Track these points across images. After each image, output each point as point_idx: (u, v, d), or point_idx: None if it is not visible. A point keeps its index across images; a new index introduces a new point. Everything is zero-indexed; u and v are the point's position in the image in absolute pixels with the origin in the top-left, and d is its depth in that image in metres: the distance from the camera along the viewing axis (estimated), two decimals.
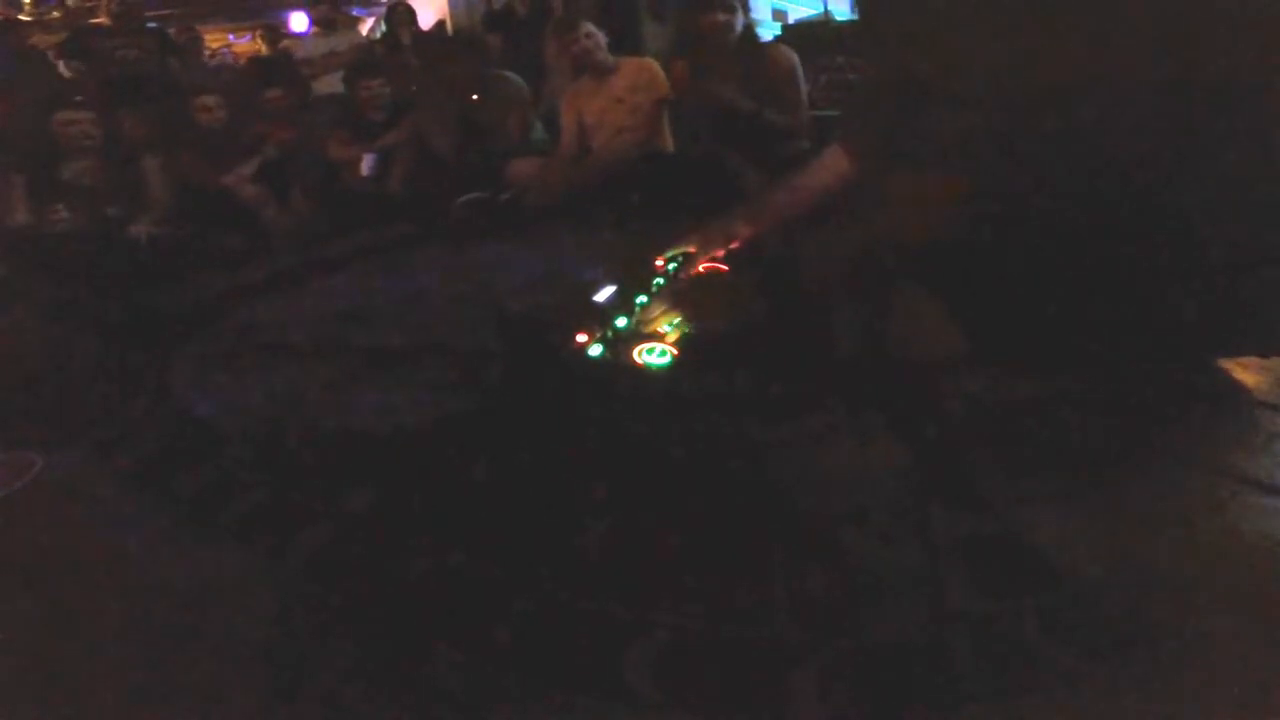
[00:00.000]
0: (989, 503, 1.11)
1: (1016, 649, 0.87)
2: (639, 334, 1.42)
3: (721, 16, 2.83)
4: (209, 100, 3.32)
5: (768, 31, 4.70)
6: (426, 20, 5.14)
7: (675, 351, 1.36)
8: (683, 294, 1.53)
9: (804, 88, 2.99)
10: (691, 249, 1.48)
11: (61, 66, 3.96)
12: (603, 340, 1.40)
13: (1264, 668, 0.82)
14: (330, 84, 4.43)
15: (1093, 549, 1.00)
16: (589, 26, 3.18)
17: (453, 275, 2.49)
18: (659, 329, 1.42)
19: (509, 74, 3.73)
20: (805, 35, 3.87)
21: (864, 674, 0.86)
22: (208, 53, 5.38)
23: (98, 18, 4.55)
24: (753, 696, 0.85)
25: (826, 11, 4.62)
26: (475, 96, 3.51)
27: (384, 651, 0.96)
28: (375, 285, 2.50)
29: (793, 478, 1.22)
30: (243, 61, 4.93)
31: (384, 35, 4.82)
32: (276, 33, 5.08)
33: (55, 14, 6.23)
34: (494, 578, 1.07)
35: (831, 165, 1.52)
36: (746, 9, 2.94)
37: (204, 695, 0.92)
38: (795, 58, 2.92)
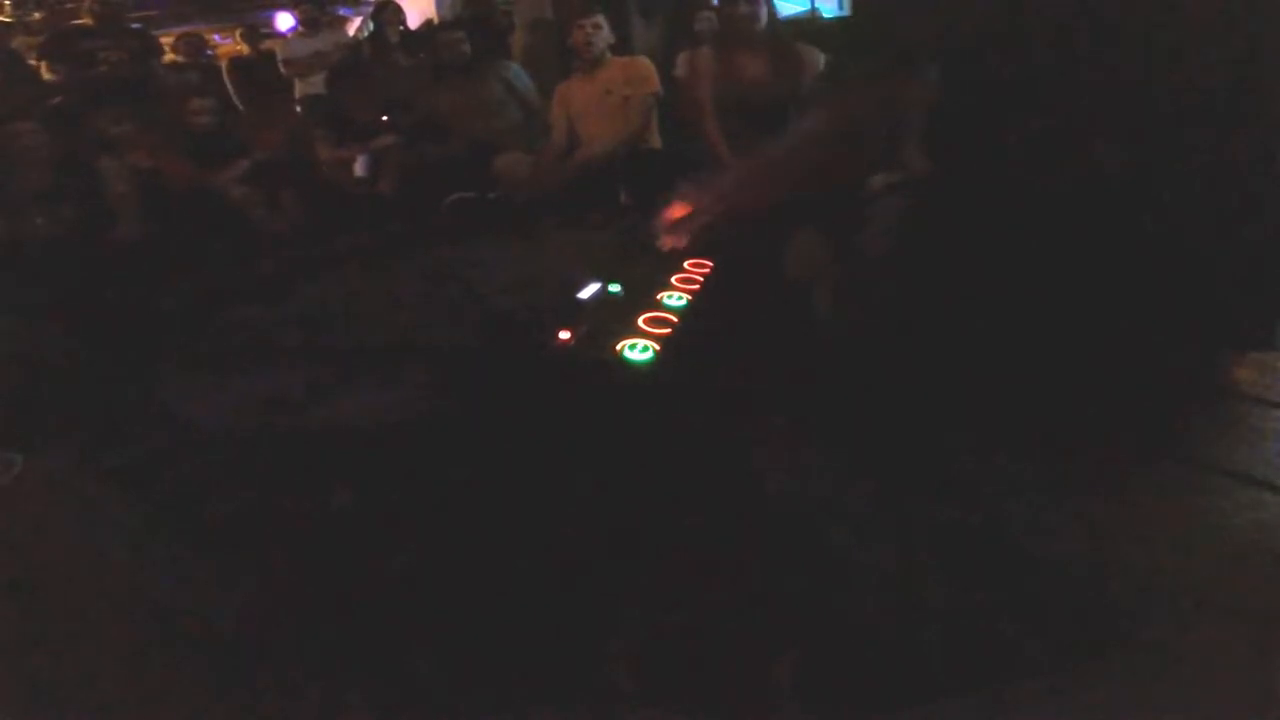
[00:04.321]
0: (968, 496, 1.11)
1: (993, 643, 0.87)
2: (622, 329, 1.41)
3: (744, 8, 2.84)
4: (198, 103, 3.30)
5: None
6: (413, 21, 5.11)
7: (658, 347, 1.36)
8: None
9: None
10: (679, 214, 1.41)
11: (44, 69, 3.91)
12: (586, 336, 1.39)
13: (1245, 664, 0.82)
14: (317, 84, 4.40)
15: (1073, 543, 1.00)
16: (600, 18, 3.18)
17: (439, 275, 2.48)
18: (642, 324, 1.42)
19: (509, 62, 3.75)
20: (792, 32, 3.87)
21: (841, 667, 0.87)
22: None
23: (80, 19, 4.50)
24: (731, 690, 0.85)
25: (814, 9, 4.62)
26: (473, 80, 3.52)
27: (364, 650, 0.95)
28: (362, 286, 2.49)
29: (771, 471, 1.22)
30: (223, 62, 4.89)
31: (371, 34, 4.79)
32: (256, 33, 5.04)
33: (36, 15, 6.17)
34: (474, 574, 1.07)
35: (811, 127, 1.48)
36: (771, 2, 2.93)
37: (183, 693, 0.92)
38: (820, 60, 2.90)
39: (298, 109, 4.36)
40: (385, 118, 3.58)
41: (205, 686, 0.92)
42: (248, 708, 0.89)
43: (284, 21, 5.44)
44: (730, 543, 1.08)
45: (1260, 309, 1.30)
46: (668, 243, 1.38)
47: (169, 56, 4.55)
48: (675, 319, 1.44)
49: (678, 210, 1.37)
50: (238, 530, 1.23)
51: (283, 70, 4.43)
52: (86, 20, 4.18)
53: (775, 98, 2.81)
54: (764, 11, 2.88)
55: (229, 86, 4.43)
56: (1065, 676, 0.82)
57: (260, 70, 4.32)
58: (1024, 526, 1.03)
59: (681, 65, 3.41)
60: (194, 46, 4.81)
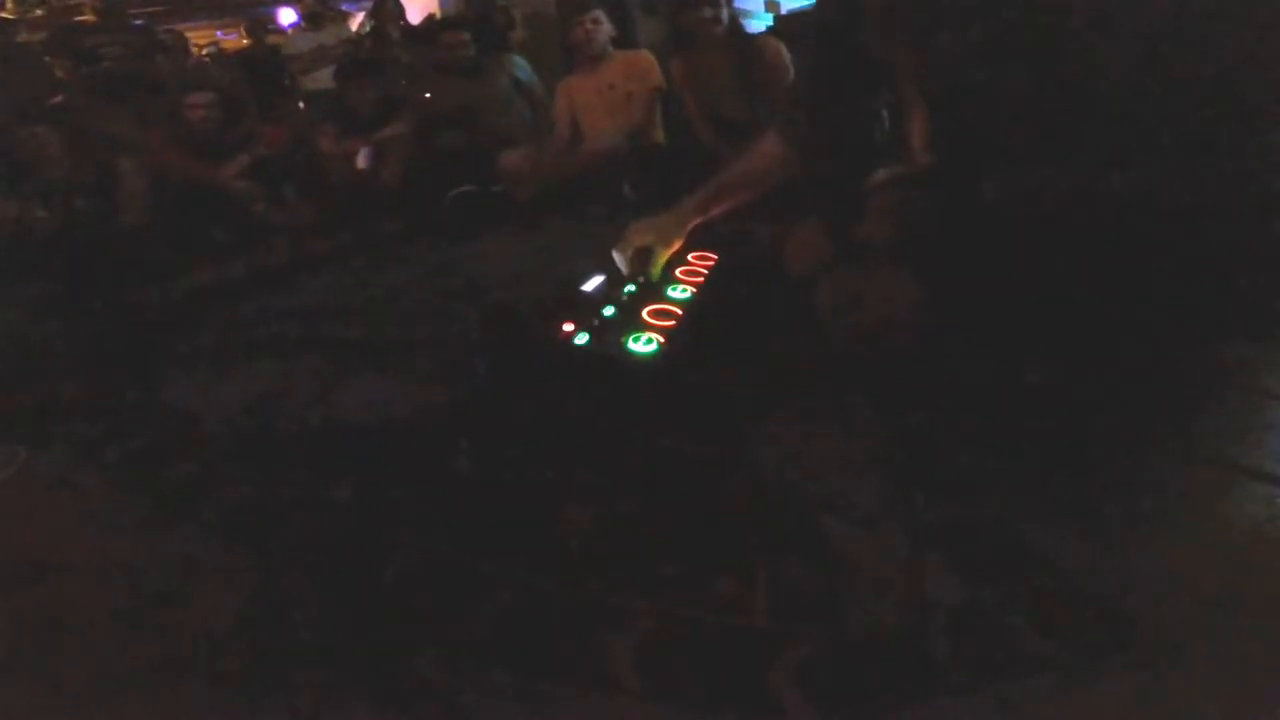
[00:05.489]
0: (973, 491, 1.10)
1: (998, 638, 0.86)
2: (626, 322, 1.41)
3: (707, 11, 2.86)
4: (200, 98, 3.31)
5: (760, 23, 4.67)
6: (415, 16, 5.11)
7: (662, 340, 1.35)
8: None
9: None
10: (646, 242, 1.46)
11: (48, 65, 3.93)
12: (589, 329, 1.39)
13: (1252, 660, 0.81)
14: (319, 79, 4.40)
15: (1078, 537, 0.99)
16: (599, 13, 3.18)
17: (442, 268, 2.48)
18: (646, 317, 1.41)
19: (514, 57, 3.76)
20: (796, 26, 3.86)
21: (844, 663, 0.86)
22: (195, 50, 5.35)
23: (83, 15, 4.51)
24: (734, 685, 0.85)
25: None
26: (478, 77, 3.53)
27: (367, 643, 0.95)
28: (364, 279, 2.49)
29: (775, 465, 1.21)
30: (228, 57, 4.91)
31: (372, 30, 4.78)
32: (263, 27, 5.04)
33: (39, 11, 6.17)
34: (477, 568, 1.06)
35: (769, 150, 1.51)
36: (730, 2, 2.96)
37: (185, 687, 0.92)
38: (783, 48, 2.93)
39: (300, 104, 4.37)
40: (389, 113, 3.59)
41: (206, 683, 0.92)
42: (248, 705, 0.89)
43: (286, 16, 5.45)
44: (733, 538, 1.07)
45: (1267, 299, 1.28)
46: (631, 272, 1.43)
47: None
48: (679, 311, 1.43)
49: (638, 238, 1.41)
50: (240, 525, 1.23)
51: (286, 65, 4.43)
52: (89, 17, 4.20)
53: (743, 94, 2.84)
54: (725, 13, 2.90)
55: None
56: (1072, 674, 0.81)
57: (263, 64, 4.33)
58: (1029, 523, 1.02)
59: (672, 69, 3.41)
60: (179, 43, 4.83)
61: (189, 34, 5.56)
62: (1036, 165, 1.26)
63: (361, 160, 3.52)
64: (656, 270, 1.49)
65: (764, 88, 2.85)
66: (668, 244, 1.47)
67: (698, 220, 1.47)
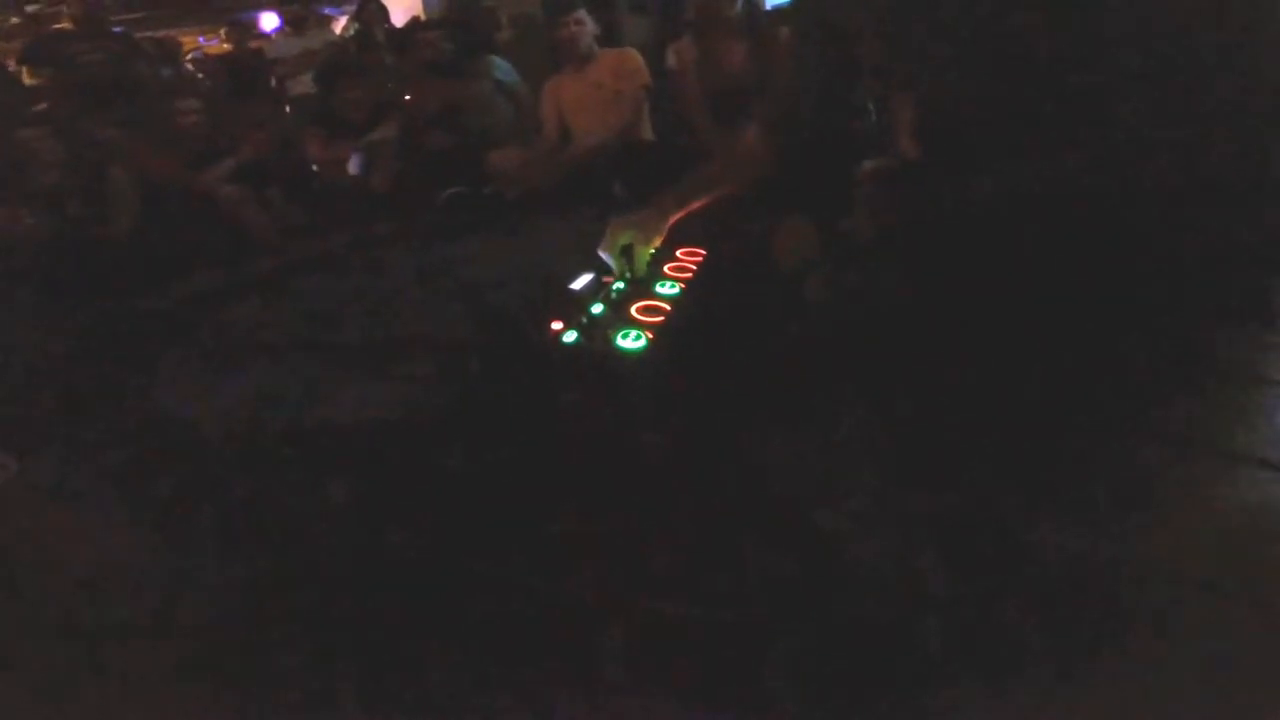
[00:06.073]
0: (965, 483, 1.10)
1: (993, 632, 0.87)
2: (615, 319, 1.41)
3: None
4: (189, 104, 3.29)
5: None
6: (400, 19, 5.08)
7: (651, 336, 1.35)
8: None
9: None
10: (627, 238, 1.48)
11: (25, 74, 3.88)
12: (578, 327, 1.39)
13: (1250, 650, 0.81)
14: (304, 83, 4.37)
15: (1074, 529, 0.99)
16: (583, 14, 3.18)
17: (434, 270, 2.47)
18: (635, 314, 1.41)
19: (495, 58, 3.74)
20: (782, 20, 3.87)
21: (839, 657, 0.86)
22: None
23: (60, 23, 4.45)
24: (727, 680, 0.85)
25: None
26: (460, 79, 3.52)
27: (366, 644, 0.95)
28: (355, 282, 2.48)
29: (767, 459, 1.21)
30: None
31: (356, 33, 4.76)
32: (246, 31, 5.01)
33: (15, 20, 6.08)
34: (470, 566, 1.06)
35: (749, 147, 1.53)
36: None
37: (184, 689, 0.91)
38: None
39: (286, 108, 4.35)
40: (377, 116, 3.57)
41: (203, 685, 0.92)
42: (248, 705, 0.89)
43: (269, 21, 5.41)
44: (725, 532, 1.08)
45: (1260, 284, 1.29)
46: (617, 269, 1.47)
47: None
48: (668, 307, 1.43)
49: (619, 236, 1.43)
50: (236, 527, 1.22)
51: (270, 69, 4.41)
52: (67, 24, 4.15)
53: (757, 82, 2.82)
54: None
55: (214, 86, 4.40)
56: (1068, 664, 0.82)
57: (246, 69, 4.30)
58: (1023, 513, 1.02)
59: (670, 56, 3.42)
60: (170, 49, 4.80)
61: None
62: (1027, 158, 1.26)
63: (353, 166, 3.50)
64: (642, 266, 1.49)
65: (771, 77, 2.83)
66: (648, 240, 1.48)
67: (678, 216, 1.48)
